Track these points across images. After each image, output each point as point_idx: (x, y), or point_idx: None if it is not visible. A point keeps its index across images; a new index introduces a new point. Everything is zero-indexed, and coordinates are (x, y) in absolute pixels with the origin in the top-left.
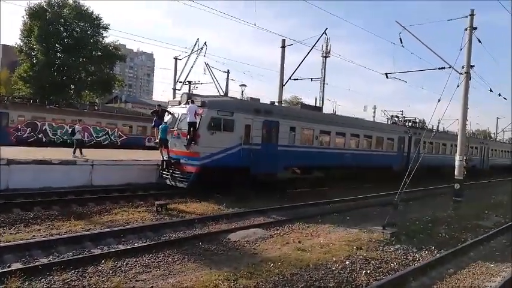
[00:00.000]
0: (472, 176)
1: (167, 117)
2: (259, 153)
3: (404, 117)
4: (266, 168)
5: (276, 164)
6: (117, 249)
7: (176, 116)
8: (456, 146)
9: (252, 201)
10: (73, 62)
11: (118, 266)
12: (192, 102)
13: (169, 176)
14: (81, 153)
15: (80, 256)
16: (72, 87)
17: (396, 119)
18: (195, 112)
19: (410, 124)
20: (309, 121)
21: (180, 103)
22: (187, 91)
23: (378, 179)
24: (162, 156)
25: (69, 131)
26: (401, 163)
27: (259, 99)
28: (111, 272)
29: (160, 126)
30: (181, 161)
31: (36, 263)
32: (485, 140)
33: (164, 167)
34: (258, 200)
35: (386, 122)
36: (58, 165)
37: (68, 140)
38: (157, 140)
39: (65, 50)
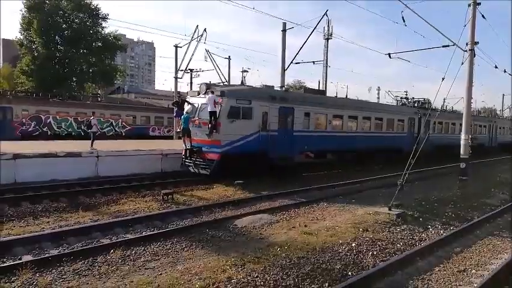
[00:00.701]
0: (481, 154)
1: (187, 107)
2: (276, 139)
3: (413, 98)
4: (283, 153)
5: (292, 149)
6: (125, 239)
7: (196, 106)
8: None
9: (269, 185)
10: (74, 54)
11: (127, 255)
12: (212, 92)
13: (192, 164)
14: (91, 145)
15: (89, 246)
16: (74, 79)
17: (405, 100)
18: (215, 101)
19: (419, 105)
20: (323, 106)
21: (199, 93)
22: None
23: (389, 160)
24: (185, 145)
25: (85, 124)
26: (411, 144)
27: (273, 87)
28: (120, 261)
29: (182, 116)
30: (203, 149)
31: (47, 255)
32: (494, 118)
33: (187, 155)
34: (275, 185)
35: (394, 104)
36: (64, 158)
37: (73, 133)
38: (179, 130)
39: (65, 42)
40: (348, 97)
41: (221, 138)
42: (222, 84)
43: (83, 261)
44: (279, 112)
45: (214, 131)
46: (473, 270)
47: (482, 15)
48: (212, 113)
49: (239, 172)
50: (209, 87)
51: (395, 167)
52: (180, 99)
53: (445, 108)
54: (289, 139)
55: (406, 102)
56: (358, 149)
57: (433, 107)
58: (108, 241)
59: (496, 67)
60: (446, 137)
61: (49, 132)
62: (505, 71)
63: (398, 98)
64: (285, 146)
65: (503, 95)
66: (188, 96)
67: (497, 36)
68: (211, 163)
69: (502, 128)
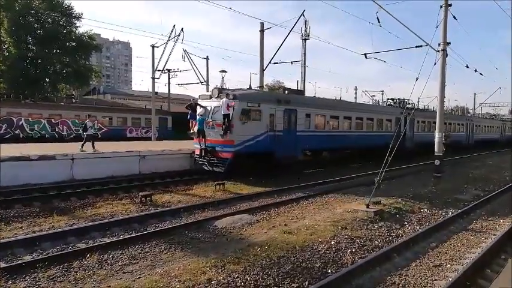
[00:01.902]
0: (458, 151)
1: (199, 110)
2: (282, 139)
3: (398, 99)
4: (288, 151)
5: (296, 148)
6: (102, 243)
7: (208, 108)
8: (446, 124)
9: (272, 182)
10: (46, 54)
11: (104, 259)
12: (227, 95)
13: (205, 163)
14: (93, 147)
15: (64, 251)
16: (47, 80)
17: (391, 100)
18: (228, 105)
19: (403, 105)
20: (321, 107)
21: (211, 97)
22: (168, 79)
23: (379, 157)
24: (200, 145)
25: (81, 127)
26: (397, 142)
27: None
28: (97, 265)
29: (197, 119)
30: (217, 148)
31: (20, 261)
32: (471, 116)
33: (202, 154)
34: (279, 181)
35: (381, 104)
36: (37, 161)
37: (47, 135)
38: (192, 131)
39: (38, 42)
40: (326, 97)
41: (234, 138)
42: (220, 87)
43: (57, 266)
44: (284, 114)
45: (228, 131)
46: (449, 265)
47: (454, 17)
48: (226, 116)
49: (248, 169)
50: (220, 91)
51: (374, 165)
52: (193, 103)
53: (423, 107)
54: (293, 139)
55: (392, 103)
56: (351, 147)
57: (417, 107)
58: (84, 245)
59: (467, 66)
60: (428, 135)
61: (21, 135)
62: (475, 71)
63: (376, 98)
64: (290, 145)
65: (475, 94)
66: (199, 100)
67: (468, 36)
68: (224, 161)
69: (478, 126)
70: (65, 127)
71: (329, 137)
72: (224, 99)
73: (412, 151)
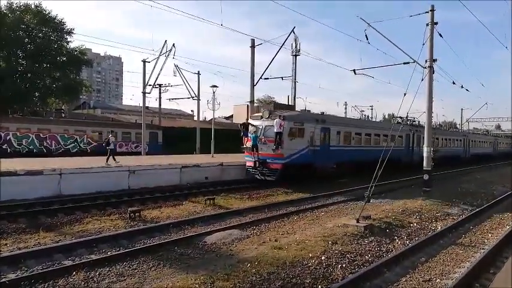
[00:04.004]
0: (447, 165)
1: (251, 128)
2: (319, 153)
3: (407, 117)
4: (324, 163)
5: (329, 160)
6: (89, 260)
7: (260, 127)
8: (445, 139)
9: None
10: (37, 69)
11: (90, 276)
12: (279, 117)
13: (258, 173)
14: (114, 160)
15: (50, 269)
16: (37, 94)
17: (399, 119)
18: (279, 124)
19: (411, 122)
20: (348, 126)
21: (261, 117)
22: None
23: (391, 169)
24: (254, 158)
25: (104, 143)
26: (407, 156)
27: (309, 111)
28: (83, 283)
29: (251, 136)
30: (268, 160)
31: (4, 279)
32: (467, 132)
33: (256, 166)
34: (321, 188)
35: (390, 122)
36: (24, 176)
37: (35, 150)
38: (245, 145)
39: (28, 56)
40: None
41: (284, 152)
42: (270, 109)
43: (42, 284)
44: (321, 131)
45: (280, 146)
46: (438, 279)
47: (440, 34)
48: (278, 133)
49: (294, 178)
50: (271, 112)
51: (364, 179)
52: (247, 123)
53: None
54: (327, 152)
55: (400, 121)
56: (371, 160)
57: (423, 125)
58: (71, 263)
59: (453, 83)
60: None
61: (8, 150)
62: (462, 87)
63: (359, 111)
64: (325, 158)
65: (462, 109)
66: (251, 120)
67: (454, 53)
68: (275, 171)
69: (474, 141)
70: (53, 142)
71: (354, 151)
72: (276, 119)
73: (420, 164)
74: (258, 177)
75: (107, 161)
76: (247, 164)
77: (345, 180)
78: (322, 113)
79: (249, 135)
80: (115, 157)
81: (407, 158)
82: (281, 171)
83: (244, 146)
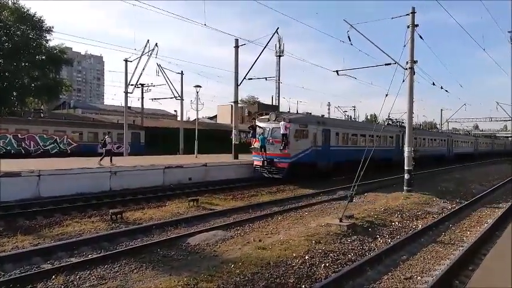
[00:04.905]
0: (440, 163)
1: (258, 130)
2: (321, 152)
3: (396, 119)
4: (325, 162)
5: (330, 159)
6: (69, 263)
7: (267, 129)
8: (431, 139)
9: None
10: (14, 68)
11: (70, 280)
12: (284, 119)
13: (265, 171)
14: (111, 161)
15: (28, 273)
16: (15, 94)
17: (390, 120)
18: (285, 126)
19: (400, 123)
20: (346, 127)
21: (269, 120)
22: (141, 93)
23: (384, 168)
24: (262, 157)
25: (100, 144)
26: (398, 155)
27: (311, 113)
28: (62, 287)
29: (259, 137)
30: (275, 160)
31: None
32: (451, 133)
33: (264, 164)
34: (323, 184)
35: (380, 123)
36: (1, 178)
37: (12, 151)
38: (253, 146)
39: (5, 54)
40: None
41: (290, 152)
42: (277, 112)
43: None
44: (322, 132)
45: (287, 147)
46: (419, 277)
47: (420, 36)
48: (284, 135)
49: (299, 176)
50: (278, 115)
51: (348, 179)
52: (254, 125)
53: (421, 126)
54: (328, 152)
55: (391, 122)
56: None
57: (415, 125)
58: (50, 266)
59: (433, 84)
60: (420, 149)
61: None
62: (441, 88)
63: (342, 112)
64: (326, 157)
65: (442, 110)
66: (258, 121)
67: (434, 55)
68: (282, 170)
69: (456, 141)
70: (32, 142)
71: (350, 151)
72: (282, 122)
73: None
74: (265, 175)
75: (100, 161)
76: (255, 163)
77: (341, 178)
78: (322, 116)
79: (257, 136)
80: (112, 158)
81: (398, 157)
82: (288, 170)
83: (253, 147)
